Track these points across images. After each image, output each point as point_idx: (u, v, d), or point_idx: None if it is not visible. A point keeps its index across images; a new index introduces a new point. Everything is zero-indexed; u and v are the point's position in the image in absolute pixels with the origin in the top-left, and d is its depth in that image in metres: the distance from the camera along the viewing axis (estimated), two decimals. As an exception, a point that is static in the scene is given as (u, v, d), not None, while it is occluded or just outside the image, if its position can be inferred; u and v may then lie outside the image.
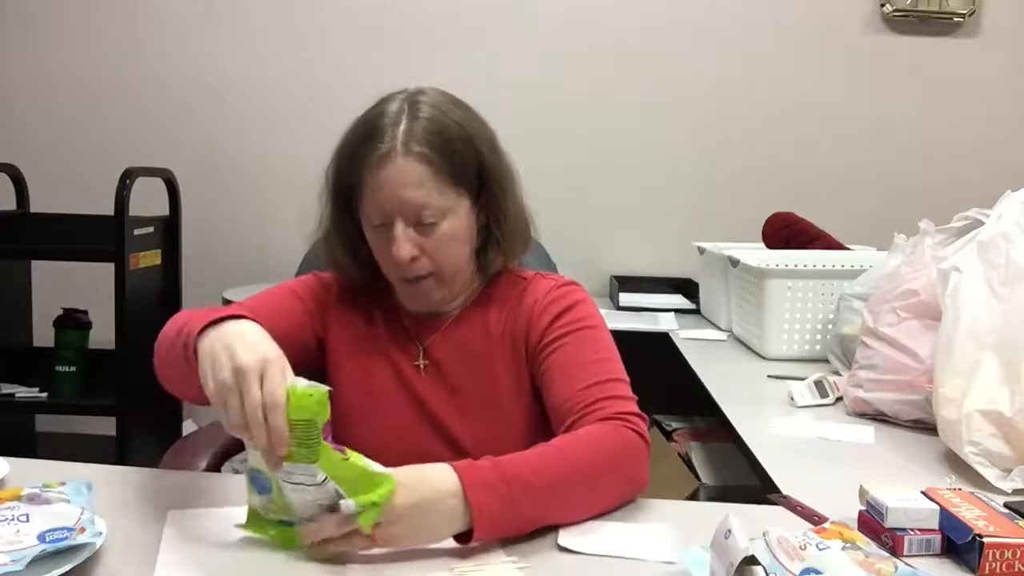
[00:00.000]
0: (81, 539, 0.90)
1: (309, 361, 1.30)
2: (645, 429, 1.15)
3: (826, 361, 1.99)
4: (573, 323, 1.26)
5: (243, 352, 0.95)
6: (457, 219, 1.22)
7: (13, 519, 0.92)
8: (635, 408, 1.17)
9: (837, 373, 1.86)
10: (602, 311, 1.34)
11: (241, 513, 1.02)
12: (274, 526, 0.99)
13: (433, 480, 0.98)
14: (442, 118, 1.21)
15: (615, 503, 1.11)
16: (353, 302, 1.34)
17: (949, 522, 0.99)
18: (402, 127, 1.19)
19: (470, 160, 1.23)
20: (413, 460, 1.20)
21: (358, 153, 1.20)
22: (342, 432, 1.26)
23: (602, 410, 1.15)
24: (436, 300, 1.27)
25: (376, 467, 0.95)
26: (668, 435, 2.59)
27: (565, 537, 1.02)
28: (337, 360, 1.32)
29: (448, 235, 1.22)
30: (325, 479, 0.94)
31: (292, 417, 0.92)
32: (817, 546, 0.86)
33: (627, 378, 1.23)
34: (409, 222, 1.19)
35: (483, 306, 1.32)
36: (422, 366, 1.30)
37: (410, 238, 1.20)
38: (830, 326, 2.02)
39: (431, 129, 1.19)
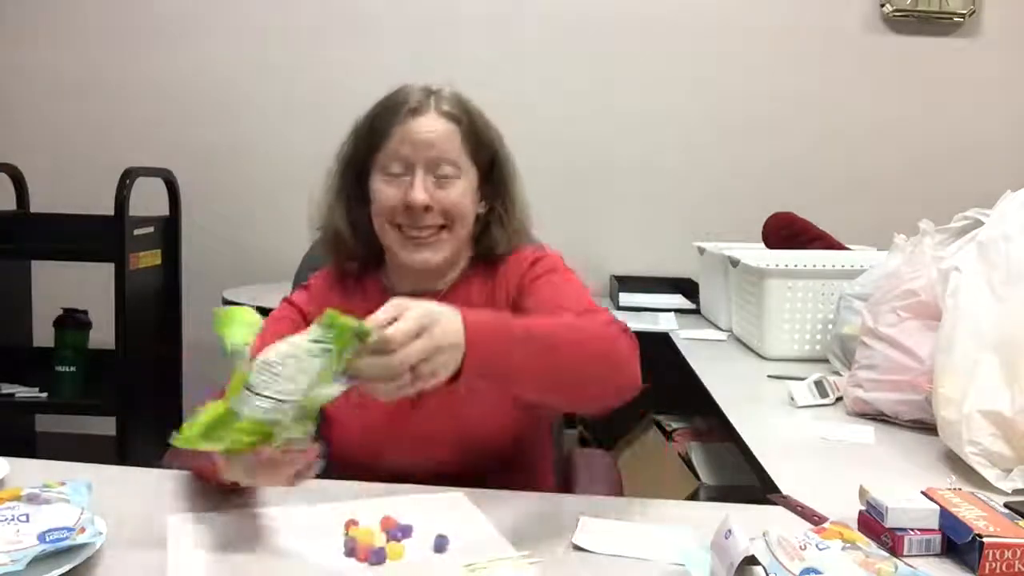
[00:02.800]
0: (81, 539, 0.90)
1: None
2: (633, 336, 1.16)
3: (826, 361, 1.99)
4: (543, 269, 1.33)
5: None
6: (468, 184, 1.30)
7: (13, 519, 0.92)
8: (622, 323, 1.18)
9: (837, 373, 1.85)
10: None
11: (246, 515, 1.02)
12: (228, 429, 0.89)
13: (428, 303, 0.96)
14: (464, 100, 1.33)
15: (609, 390, 1.11)
16: (333, 303, 1.35)
17: (949, 522, 0.99)
18: (431, 95, 1.30)
19: (486, 141, 1.32)
20: (403, 440, 1.25)
21: (386, 111, 1.28)
22: (332, 421, 1.29)
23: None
24: (433, 261, 1.30)
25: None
26: (668, 435, 2.60)
27: (580, 536, 1.02)
28: None
29: (460, 193, 1.29)
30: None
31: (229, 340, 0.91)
32: (817, 546, 0.86)
33: (604, 308, 1.24)
34: (429, 171, 1.26)
35: (467, 286, 1.37)
36: None
37: (427, 185, 1.26)
38: (830, 326, 2.02)
39: (457, 101, 1.31)
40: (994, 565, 0.93)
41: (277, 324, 1.34)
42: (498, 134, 1.35)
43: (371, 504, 1.09)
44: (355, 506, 1.09)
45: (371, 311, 1.32)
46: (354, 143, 1.33)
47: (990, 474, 1.26)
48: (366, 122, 1.32)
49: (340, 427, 1.28)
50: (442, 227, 1.28)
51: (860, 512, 1.05)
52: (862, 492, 1.05)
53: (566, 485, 1.46)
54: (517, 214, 1.36)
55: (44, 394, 2.75)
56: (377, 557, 0.96)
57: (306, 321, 1.34)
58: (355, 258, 1.37)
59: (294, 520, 1.05)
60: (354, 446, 1.27)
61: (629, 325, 1.19)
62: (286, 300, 1.40)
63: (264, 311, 2.89)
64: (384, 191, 1.28)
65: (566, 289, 1.30)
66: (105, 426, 2.73)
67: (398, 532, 1.01)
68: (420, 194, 1.25)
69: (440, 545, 0.99)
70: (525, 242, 1.39)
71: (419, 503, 1.12)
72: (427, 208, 1.26)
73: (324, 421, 1.30)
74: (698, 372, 2.01)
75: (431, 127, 1.27)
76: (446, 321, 0.94)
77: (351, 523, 1.03)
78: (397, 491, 1.16)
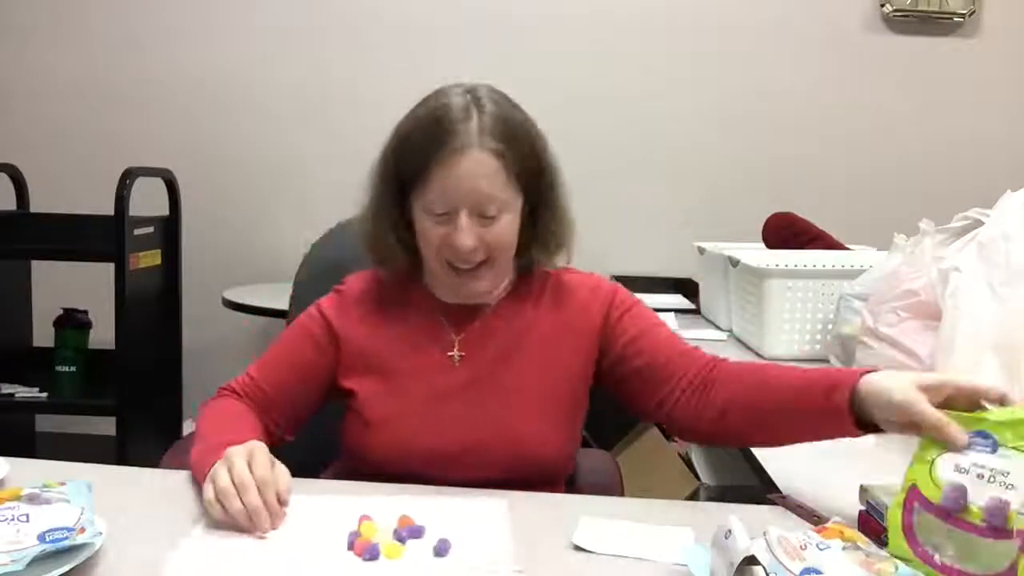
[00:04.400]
0: (81, 539, 0.90)
1: (337, 393, 1.33)
2: None
3: (826, 361, 1.99)
4: (632, 303, 1.39)
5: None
6: (514, 214, 1.25)
7: (13, 519, 0.91)
8: None
9: (837, 373, 1.85)
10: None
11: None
12: None
13: None
14: (508, 115, 1.24)
15: None
16: (368, 309, 1.34)
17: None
18: (474, 121, 1.21)
19: (530, 157, 1.26)
20: (441, 453, 1.24)
21: (430, 144, 1.21)
22: (364, 434, 1.27)
23: (718, 361, 1.33)
24: (482, 291, 1.29)
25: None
26: (668, 435, 2.59)
27: (580, 536, 1.02)
28: (356, 367, 1.31)
29: (505, 229, 1.24)
30: None
31: None
32: (817, 546, 0.85)
33: None
34: (473, 213, 1.21)
35: (517, 299, 1.34)
36: (456, 358, 1.31)
37: (473, 228, 1.21)
38: (830, 326, 2.02)
39: (501, 125, 1.22)
40: (994, 565, 0.93)
41: (301, 342, 1.33)
42: (543, 141, 1.29)
43: (393, 502, 1.09)
44: (378, 502, 1.08)
45: (415, 320, 1.33)
46: (394, 163, 1.26)
47: (990, 474, 1.25)
48: (405, 143, 1.25)
49: (384, 437, 1.26)
50: (483, 262, 1.25)
51: (860, 512, 1.05)
52: (862, 492, 1.05)
53: (566, 485, 1.46)
54: (557, 228, 1.33)
55: (44, 394, 2.75)
56: (370, 554, 0.96)
57: (332, 332, 1.32)
58: (399, 268, 1.32)
59: (312, 510, 1.07)
60: (398, 457, 1.25)
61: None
62: (316, 305, 1.36)
63: (265, 311, 2.87)
64: (429, 230, 1.24)
65: (657, 318, 1.40)
66: (105, 426, 2.73)
67: (404, 532, 1.01)
68: (466, 241, 1.21)
69: (441, 549, 0.98)
70: (557, 252, 1.36)
71: (447, 506, 1.11)
72: (474, 248, 1.23)
73: (366, 427, 1.28)
74: (698, 372, 2.00)
75: (478, 169, 1.19)
76: None
77: (364, 518, 1.04)
78: (440, 492, 1.16)
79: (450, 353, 1.31)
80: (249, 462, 1.05)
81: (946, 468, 0.90)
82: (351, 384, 1.31)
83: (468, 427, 1.26)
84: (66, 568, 0.88)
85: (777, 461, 1.34)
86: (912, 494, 0.91)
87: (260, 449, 1.08)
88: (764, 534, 0.86)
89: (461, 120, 1.21)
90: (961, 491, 0.88)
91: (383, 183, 1.29)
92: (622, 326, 1.33)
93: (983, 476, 0.87)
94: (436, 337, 1.32)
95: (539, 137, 1.28)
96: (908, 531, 0.91)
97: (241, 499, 1.01)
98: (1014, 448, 0.88)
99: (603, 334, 1.33)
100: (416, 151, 1.23)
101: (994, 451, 0.88)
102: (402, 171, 1.26)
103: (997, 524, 0.85)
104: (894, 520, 0.92)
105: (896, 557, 0.87)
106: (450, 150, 1.19)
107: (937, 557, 0.88)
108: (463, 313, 1.32)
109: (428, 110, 1.25)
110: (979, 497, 0.87)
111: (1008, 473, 0.86)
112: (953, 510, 0.88)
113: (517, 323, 1.32)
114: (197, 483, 1.14)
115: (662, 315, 2.72)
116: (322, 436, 1.33)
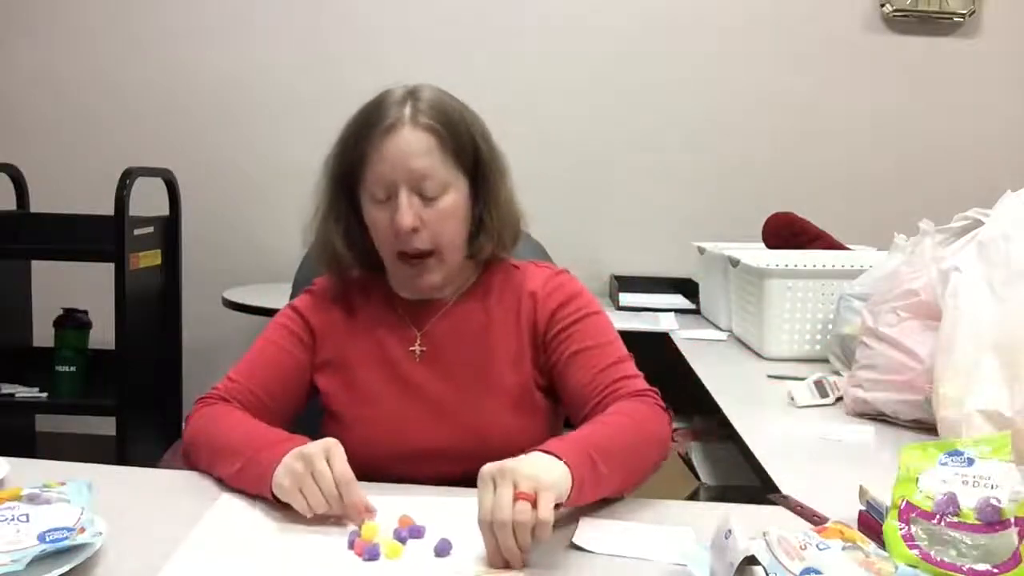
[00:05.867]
0: (81, 539, 0.90)
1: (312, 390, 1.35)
2: (661, 400, 1.25)
3: (826, 361, 1.99)
4: (579, 311, 1.31)
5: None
6: (457, 195, 1.26)
7: (13, 519, 0.91)
8: (646, 383, 1.26)
9: (837, 373, 1.85)
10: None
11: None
12: None
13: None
14: (443, 103, 1.27)
15: (654, 469, 1.20)
16: (337, 307, 1.36)
17: (949, 522, 0.98)
18: (408, 106, 1.24)
19: (468, 144, 1.27)
20: (407, 450, 1.26)
21: (364, 131, 1.24)
22: (335, 432, 1.27)
23: (622, 389, 1.23)
24: (434, 282, 1.29)
25: None
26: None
27: (580, 536, 1.02)
28: (328, 364, 1.33)
29: (448, 210, 1.25)
30: None
31: None
32: (817, 546, 0.85)
33: (630, 355, 1.31)
34: (412, 191, 1.23)
35: (479, 294, 1.35)
36: (418, 352, 1.32)
37: (413, 207, 1.23)
38: (830, 326, 2.02)
39: (435, 108, 1.25)
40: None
41: (282, 339, 1.34)
42: (482, 131, 1.30)
43: (393, 502, 1.09)
44: (378, 502, 1.08)
45: (377, 316, 1.34)
46: (340, 159, 1.29)
47: (990, 474, 1.25)
48: (349, 137, 1.28)
49: (350, 434, 1.24)
50: (431, 254, 1.26)
51: (860, 512, 1.05)
52: (862, 492, 1.05)
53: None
54: (500, 216, 1.31)
55: (44, 394, 2.75)
56: (370, 554, 0.97)
57: (310, 329, 1.34)
58: (352, 270, 1.34)
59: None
60: (365, 454, 1.23)
61: (629, 326, 1.21)
62: (290, 306, 1.38)
63: (265, 311, 2.87)
64: (376, 218, 1.25)
65: (607, 336, 1.31)
66: (105, 426, 2.73)
67: (404, 532, 1.02)
68: (406, 219, 1.21)
69: (442, 549, 0.98)
70: (513, 243, 1.35)
71: (448, 506, 1.11)
72: (415, 229, 1.23)
73: (334, 424, 1.30)
74: (698, 372, 2.01)
75: (407, 145, 1.22)
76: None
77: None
78: (441, 492, 1.16)
79: (411, 348, 1.32)
80: (328, 460, 1.06)
81: (932, 481, 0.95)
82: (321, 381, 1.33)
83: (431, 422, 1.27)
84: (66, 568, 0.88)
85: (777, 461, 1.35)
86: (905, 508, 0.94)
87: (337, 446, 1.09)
88: (764, 534, 0.86)
89: (396, 106, 1.24)
90: (951, 496, 0.92)
91: (330, 185, 1.31)
92: (566, 338, 1.30)
93: (967, 482, 0.93)
94: (397, 333, 1.33)
95: (478, 125, 1.30)
96: (908, 540, 0.93)
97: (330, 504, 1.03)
98: (990, 457, 0.94)
99: (540, 344, 1.32)
100: (355, 140, 1.26)
101: (971, 464, 0.94)
102: (344, 164, 1.28)
103: (992, 519, 0.90)
104: (893, 534, 0.94)
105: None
106: (383, 130, 1.22)
107: (942, 559, 0.91)
108: (424, 309, 1.34)
109: (368, 105, 1.28)
110: (969, 500, 0.92)
111: (990, 476, 0.92)
112: (947, 514, 0.92)
113: (478, 318, 1.33)
114: (230, 488, 1.14)
115: (662, 315, 2.75)
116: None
